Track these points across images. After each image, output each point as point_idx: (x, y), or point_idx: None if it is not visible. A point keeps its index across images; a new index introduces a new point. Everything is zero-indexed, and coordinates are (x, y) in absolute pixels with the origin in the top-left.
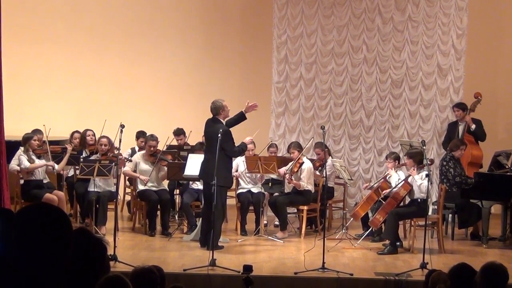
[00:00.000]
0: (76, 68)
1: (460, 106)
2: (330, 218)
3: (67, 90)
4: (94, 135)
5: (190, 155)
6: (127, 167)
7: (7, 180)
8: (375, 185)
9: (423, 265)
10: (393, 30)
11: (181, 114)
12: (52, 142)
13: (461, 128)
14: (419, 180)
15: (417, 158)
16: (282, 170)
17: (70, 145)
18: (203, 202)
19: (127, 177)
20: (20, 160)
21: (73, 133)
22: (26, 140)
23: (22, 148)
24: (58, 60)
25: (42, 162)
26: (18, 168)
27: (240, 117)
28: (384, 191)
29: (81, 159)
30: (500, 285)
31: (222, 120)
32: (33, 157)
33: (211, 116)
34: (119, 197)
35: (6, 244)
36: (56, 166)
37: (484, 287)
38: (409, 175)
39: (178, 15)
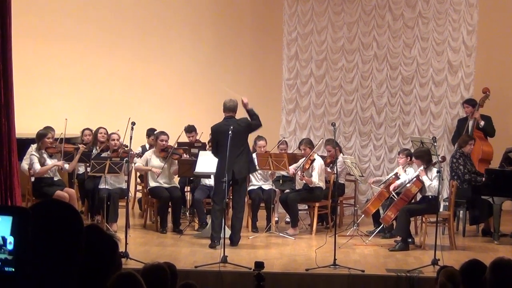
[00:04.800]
0: (87, 65)
1: (470, 103)
2: (341, 215)
3: (78, 88)
4: (106, 133)
5: (201, 152)
6: (139, 163)
7: (19, 177)
8: (386, 182)
9: (435, 262)
10: (403, 26)
11: (192, 111)
12: (64, 140)
13: (470, 124)
14: (428, 181)
15: (425, 157)
16: (292, 169)
17: (83, 146)
18: (218, 200)
19: (138, 174)
20: (31, 160)
21: (84, 130)
22: (40, 137)
23: (33, 146)
24: (69, 57)
25: (51, 162)
26: (30, 171)
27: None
28: (394, 186)
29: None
30: (509, 281)
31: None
32: (45, 155)
33: (221, 113)
34: (130, 194)
35: (21, 242)
36: (66, 166)
37: (493, 283)
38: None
39: (189, 12)
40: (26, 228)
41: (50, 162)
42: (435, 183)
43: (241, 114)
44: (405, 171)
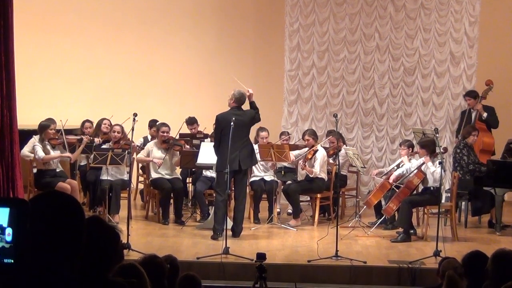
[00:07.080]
0: (89, 56)
1: (471, 95)
2: (343, 206)
3: (81, 79)
4: (110, 124)
5: (203, 143)
6: (140, 154)
7: (20, 169)
8: (388, 173)
9: (437, 253)
10: (405, 17)
11: (195, 102)
12: (65, 131)
13: (473, 115)
14: (433, 168)
15: (430, 147)
16: (293, 156)
17: (86, 137)
18: (220, 191)
19: (139, 165)
20: (35, 149)
21: (84, 122)
22: (42, 129)
23: (35, 137)
24: (71, 49)
25: (57, 153)
26: (31, 155)
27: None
28: (395, 176)
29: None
30: (511, 272)
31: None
32: (48, 147)
33: (225, 104)
34: (132, 186)
35: (20, 233)
36: (71, 156)
37: (495, 273)
38: (423, 163)
39: (191, 4)
40: (24, 220)
41: (53, 153)
42: (439, 170)
43: (245, 106)
44: (409, 161)
